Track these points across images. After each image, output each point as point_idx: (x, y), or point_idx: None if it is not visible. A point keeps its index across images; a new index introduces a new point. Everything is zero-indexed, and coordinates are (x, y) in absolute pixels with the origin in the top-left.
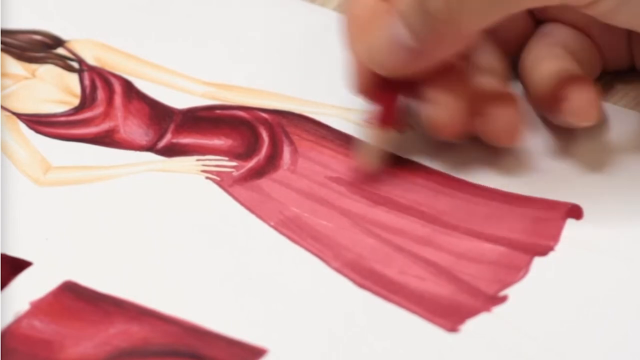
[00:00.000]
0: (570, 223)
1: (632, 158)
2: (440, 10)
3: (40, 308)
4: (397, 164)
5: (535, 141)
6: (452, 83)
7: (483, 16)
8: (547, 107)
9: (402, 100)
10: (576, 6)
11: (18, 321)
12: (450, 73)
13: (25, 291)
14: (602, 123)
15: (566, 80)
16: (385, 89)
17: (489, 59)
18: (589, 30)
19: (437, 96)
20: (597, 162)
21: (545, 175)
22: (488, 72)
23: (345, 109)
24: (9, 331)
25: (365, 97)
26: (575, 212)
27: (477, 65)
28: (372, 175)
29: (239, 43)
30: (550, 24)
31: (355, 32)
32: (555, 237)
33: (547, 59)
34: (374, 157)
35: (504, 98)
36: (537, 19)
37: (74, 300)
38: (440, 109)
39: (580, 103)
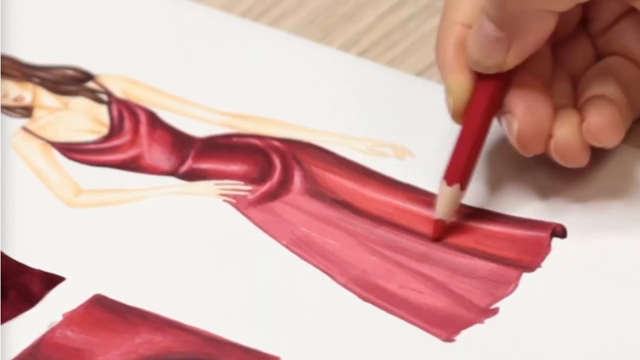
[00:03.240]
0: (555, 241)
1: (612, 179)
2: None
3: (72, 319)
4: (395, 187)
5: (523, 165)
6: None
7: None
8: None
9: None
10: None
11: (52, 331)
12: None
13: (59, 304)
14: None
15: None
16: (476, 112)
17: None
18: None
19: (516, 106)
20: (581, 184)
21: (532, 196)
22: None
23: (350, 138)
24: (44, 340)
25: (459, 119)
26: (559, 231)
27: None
28: (369, 198)
29: (253, 77)
30: (611, 57)
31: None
32: (542, 254)
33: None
34: (449, 208)
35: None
36: (599, 53)
37: (103, 312)
38: (526, 121)
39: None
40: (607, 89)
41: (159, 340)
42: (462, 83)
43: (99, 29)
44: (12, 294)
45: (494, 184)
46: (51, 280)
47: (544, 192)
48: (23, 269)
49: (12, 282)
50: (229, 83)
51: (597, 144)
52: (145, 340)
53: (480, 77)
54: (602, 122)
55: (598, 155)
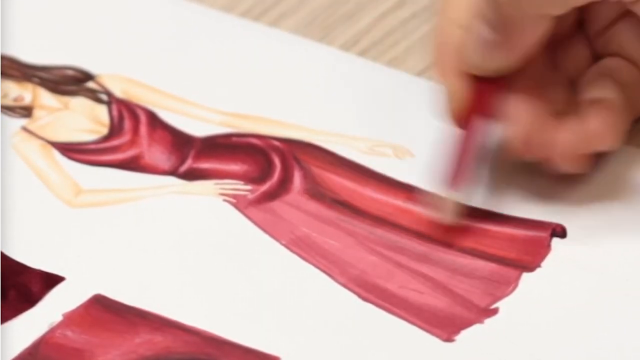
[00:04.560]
0: (555, 241)
1: (612, 179)
2: None
3: (72, 319)
4: (395, 187)
5: (523, 165)
6: (533, 96)
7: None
8: None
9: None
10: (624, 2)
11: (52, 331)
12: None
13: (59, 304)
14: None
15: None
16: (474, 113)
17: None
18: None
19: (517, 111)
20: (580, 184)
21: (532, 196)
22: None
23: (350, 138)
24: (43, 340)
25: (459, 122)
26: (559, 231)
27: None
28: (369, 198)
29: (253, 77)
30: (608, 58)
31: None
32: (542, 254)
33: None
34: (452, 211)
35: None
36: (597, 55)
37: (103, 312)
38: (518, 126)
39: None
40: (606, 91)
41: (159, 340)
42: (461, 87)
43: (99, 29)
44: (12, 294)
45: (494, 184)
46: (51, 280)
47: (544, 192)
48: (23, 269)
49: (12, 282)
50: (229, 83)
51: (597, 149)
52: (145, 340)
53: (478, 81)
54: (602, 127)
55: (598, 155)
